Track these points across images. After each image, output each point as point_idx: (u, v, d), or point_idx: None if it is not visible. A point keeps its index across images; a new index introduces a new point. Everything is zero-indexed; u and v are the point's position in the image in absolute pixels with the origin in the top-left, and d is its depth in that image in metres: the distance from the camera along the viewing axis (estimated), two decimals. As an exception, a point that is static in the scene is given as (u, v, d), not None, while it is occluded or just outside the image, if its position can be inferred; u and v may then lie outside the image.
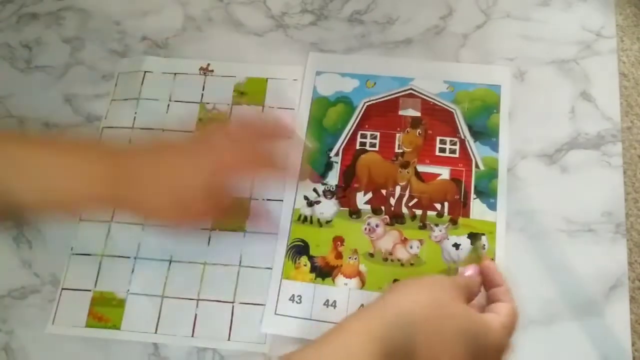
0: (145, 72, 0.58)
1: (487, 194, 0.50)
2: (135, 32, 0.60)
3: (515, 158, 0.52)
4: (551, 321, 0.46)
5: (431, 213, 0.50)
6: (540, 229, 0.49)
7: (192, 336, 0.48)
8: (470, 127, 0.53)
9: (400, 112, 0.54)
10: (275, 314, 0.48)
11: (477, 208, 0.50)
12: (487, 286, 0.40)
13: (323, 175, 0.52)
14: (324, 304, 0.48)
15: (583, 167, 0.51)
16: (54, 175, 0.40)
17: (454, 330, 0.34)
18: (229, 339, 0.47)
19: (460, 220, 0.50)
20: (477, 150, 0.52)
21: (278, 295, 0.48)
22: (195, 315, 0.48)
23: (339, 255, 0.49)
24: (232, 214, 0.46)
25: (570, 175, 0.51)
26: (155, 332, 0.48)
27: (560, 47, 0.56)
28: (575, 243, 0.49)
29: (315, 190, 0.52)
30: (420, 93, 0.55)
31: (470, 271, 0.40)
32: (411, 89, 0.55)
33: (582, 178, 0.51)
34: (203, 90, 0.57)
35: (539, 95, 0.55)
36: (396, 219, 0.50)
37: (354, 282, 0.48)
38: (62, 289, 0.50)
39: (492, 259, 0.48)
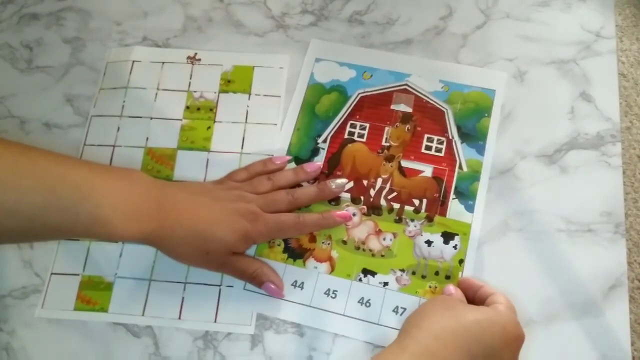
0: (133, 61, 0.58)
1: (467, 196, 0.51)
2: (135, 33, 0.60)
3: (515, 158, 0.52)
4: (550, 321, 0.47)
5: (408, 208, 0.51)
6: (540, 229, 0.50)
7: (179, 318, 0.48)
8: (459, 128, 0.53)
9: (393, 107, 0.54)
10: (244, 289, 0.49)
11: (455, 208, 0.50)
12: (471, 294, 0.46)
13: (308, 160, 0.53)
14: (292, 285, 0.49)
15: (582, 168, 0.52)
16: (107, 205, 0.42)
17: (472, 325, 0.39)
18: (215, 321, 0.48)
19: (436, 218, 0.50)
20: (463, 152, 0.52)
21: None
22: (183, 298, 0.49)
23: (313, 239, 0.50)
24: (246, 278, 0.48)
25: (569, 175, 0.52)
26: (143, 315, 0.49)
27: (559, 47, 0.57)
28: (574, 243, 0.49)
29: None
30: (415, 89, 0.55)
31: (451, 289, 0.46)
32: (406, 84, 0.55)
33: (581, 178, 0.51)
34: (190, 78, 0.57)
35: (538, 95, 0.55)
36: (373, 210, 0.51)
37: (324, 266, 0.49)
38: (51, 273, 0.51)
39: (463, 260, 0.48)
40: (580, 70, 0.55)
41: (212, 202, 0.46)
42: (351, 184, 0.52)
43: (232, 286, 0.49)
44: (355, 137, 0.54)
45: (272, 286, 0.47)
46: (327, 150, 0.53)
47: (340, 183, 0.51)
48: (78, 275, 0.50)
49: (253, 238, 0.47)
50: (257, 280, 0.47)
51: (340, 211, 0.50)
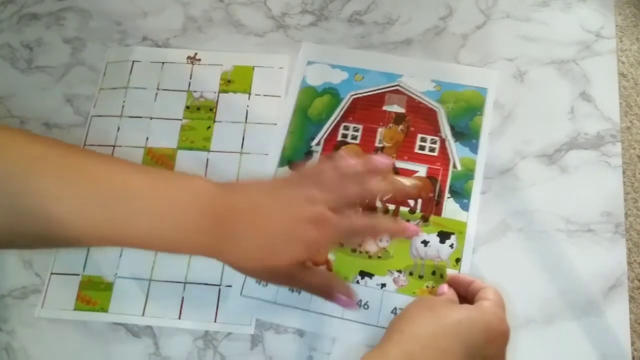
0: (133, 61, 0.58)
1: (461, 195, 0.51)
2: (135, 33, 0.60)
3: (515, 158, 0.52)
4: (550, 321, 0.47)
5: (404, 209, 0.51)
6: (540, 229, 0.50)
7: (179, 318, 0.48)
8: (452, 127, 0.53)
9: (385, 107, 0.54)
10: (241, 295, 0.49)
11: (450, 207, 0.50)
12: (462, 290, 0.45)
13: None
14: (289, 289, 0.49)
15: (582, 167, 0.52)
16: (160, 221, 0.37)
17: (453, 325, 0.39)
18: (215, 321, 0.48)
19: (432, 218, 0.50)
20: (457, 151, 0.52)
21: (245, 277, 0.49)
22: (183, 298, 0.49)
23: None
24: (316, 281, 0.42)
25: (569, 175, 0.52)
26: (143, 315, 0.49)
27: (559, 47, 0.57)
28: (574, 243, 0.49)
29: None
30: (407, 90, 0.55)
31: (444, 288, 0.45)
32: (398, 85, 0.55)
33: (581, 178, 0.51)
34: (190, 78, 0.58)
35: (538, 95, 0.55)
36: (369, 211, 0.51)
37: (321, 269, 0.49)
38: (51, 273, 0.51)
39: (459, 259, 0.48)
40: (580, 70, 0.55)
41: (276, 208, 0.40)
42: None
43: (231, 286, 0.49)
44: (348, 139, 0.54)
45: (343, 298, 0.42)
46: (321, 153, 0.53)
47: (413, 184, 0.47)
48: (78, 275, 0.50)
49: (322, 245, 0.43)
50: (326, 294, 0.42)
51: (412, 224, 0.49)
